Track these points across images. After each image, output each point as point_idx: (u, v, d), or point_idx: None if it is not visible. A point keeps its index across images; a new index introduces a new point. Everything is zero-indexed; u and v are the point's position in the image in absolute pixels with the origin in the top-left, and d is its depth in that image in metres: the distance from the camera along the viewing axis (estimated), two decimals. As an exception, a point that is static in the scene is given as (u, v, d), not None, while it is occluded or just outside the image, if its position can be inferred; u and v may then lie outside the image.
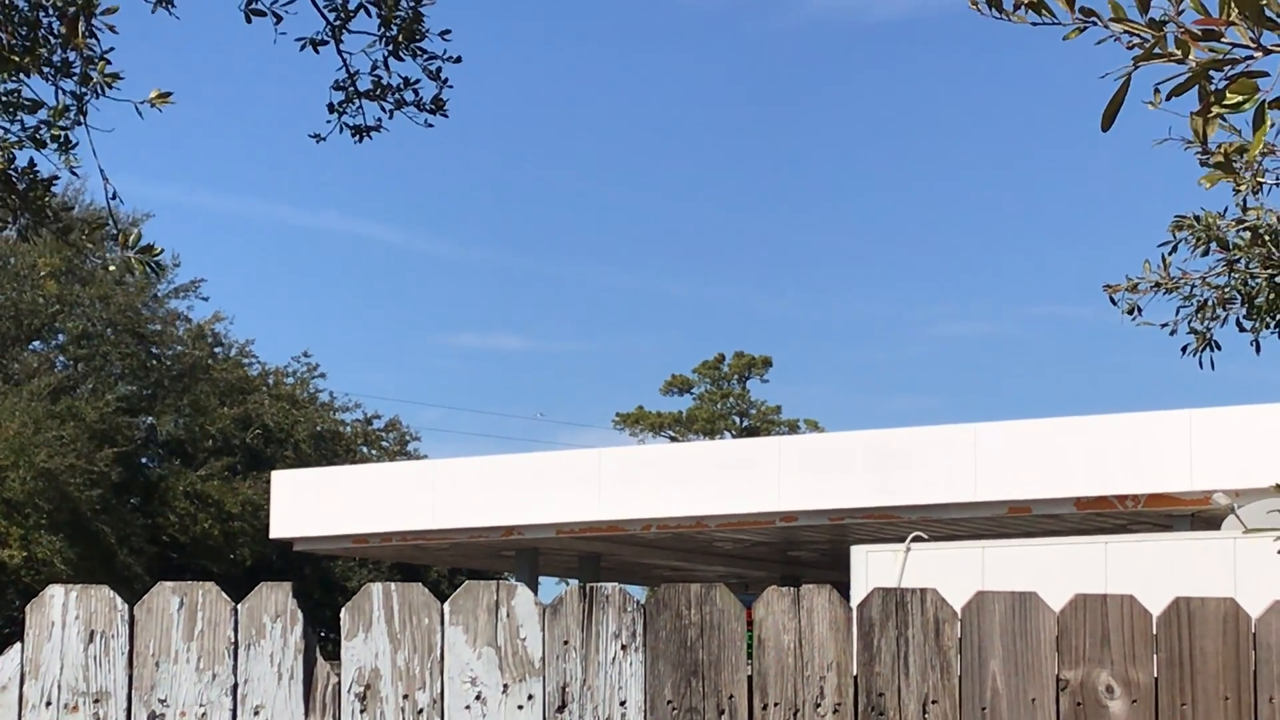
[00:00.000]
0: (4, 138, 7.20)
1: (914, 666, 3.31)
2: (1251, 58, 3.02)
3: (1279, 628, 3.49)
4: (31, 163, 7.21)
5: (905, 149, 78.99)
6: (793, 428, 57.44)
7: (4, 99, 7.22)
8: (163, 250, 7.19)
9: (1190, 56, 3.02)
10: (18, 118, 7.25)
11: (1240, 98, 2.96)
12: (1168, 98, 3.06)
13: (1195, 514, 21.31)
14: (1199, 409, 21.29)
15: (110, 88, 7.28)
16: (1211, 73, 3.00)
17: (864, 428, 24.64)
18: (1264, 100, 2.97)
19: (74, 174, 7.35)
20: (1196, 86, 3.01)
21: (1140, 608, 3.42)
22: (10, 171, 7.04)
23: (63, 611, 3.15)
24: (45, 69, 7.32)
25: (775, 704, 3.26)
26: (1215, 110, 3.00)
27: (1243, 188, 6.94)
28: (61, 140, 7.22)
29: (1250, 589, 14.21)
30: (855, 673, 3.30)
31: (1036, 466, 21.77)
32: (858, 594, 15.90)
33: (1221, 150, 6.03)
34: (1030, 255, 79.68)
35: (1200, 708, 3.41)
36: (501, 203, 79.61)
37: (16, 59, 6.96)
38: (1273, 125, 3.00)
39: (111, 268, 7.29)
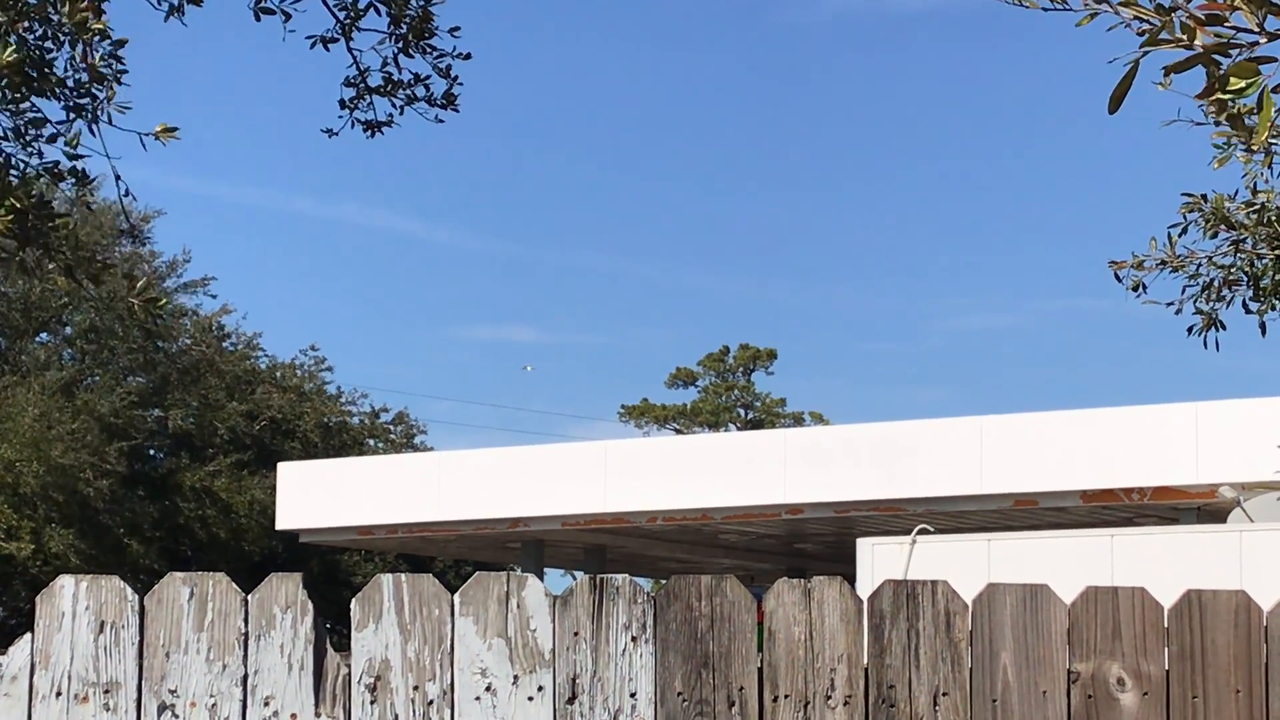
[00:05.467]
0: (24, 170, 7.21)
1: (925, 659, 3.30)
2: (1256, 42, 3.02)
3: (1290, 620, 3.48)
4: (42, 196, 7.19)
5: (919, 141, 79.01)
6: (797, 420, 57.40)
7: (22, 117, 7.23)
8: (167, 302, 7.19)
9: (1196, 40, 3.01)
10: (37, 138, 7.26)
11: (1243, 83, 2.96)
12: (1165, 74, 3.05)
13: (1201, 507, 21.28)
14: (1205, 402, 21.26)
15: (120, 113, 7.28)
16: (1218, 57, 3.00)
17: (875, 421, 24.59)
18: (1266, 86, 2.96)
19: (89, 209, 7.38)
20: (1202, 67, 3.00)
21: (1152, 600, 3.41)
22: (28, 204, 7.02)
23: (73, 602, 3.14)
24: (60, 90, 7.33)
25: (786, 696, 3.26)
26: (1218, 94, 2.99)
27: (1256, 147, 6.89)
28: (79, 174, 7.22)
29: (1257, 582, 14.19)
30: (866, 665, 3.29)
31: (1042, 459, 21.75)
32: (864, 586, 15.88)
33: (1237, 109, 6.00)
34: (1046, 248, 79.72)
35: (1212, 701, 3.41)
36: (516, 193, 79.68)
37: (33, 79, 6.98)
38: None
39: (105, 313, 7.28)
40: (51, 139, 7.31)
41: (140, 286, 7.08)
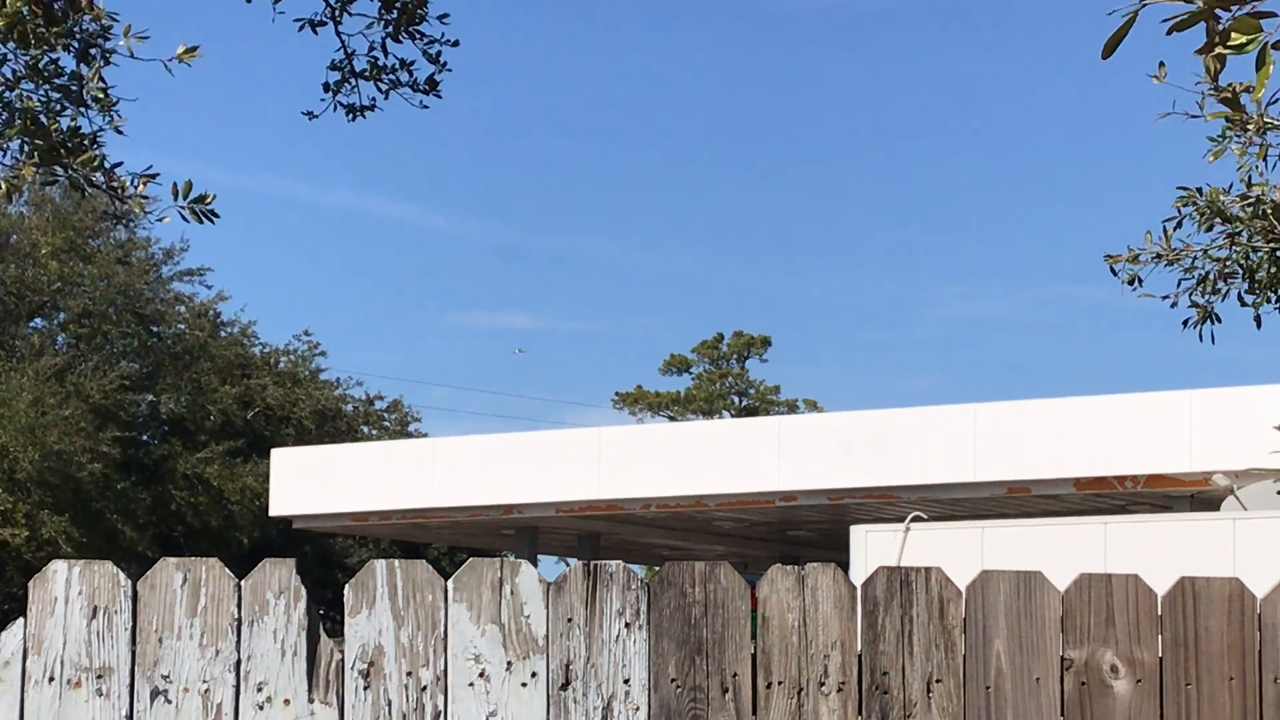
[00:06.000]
0: (49, 106, 7.19)
1: (918, 645, 3.30)
2: (1259, -2, 3.00)
3: (1284, 608, 3.48)
4: (71, 123, 7.18)
5: (914, 129, 78.95)
6: (791, 408, 57.44)
7: (42, 70, 7.21)
8: (214, 197, 7.18)
9: (1198, -6, 2.99)
10: (52, 85, 7.25)
11: (1244, 38, 2.94)
12: (1168, 33, 3.03)
13: (1194, 495, 21.31)
14: (1199, 390, 21.28)
15: (140, 43, 7.25)
16: (1219, 12, 2.98)
17: (869, 408, 24.63)
18: (1267, 41, 2.94)
19: (120, 132, 7.33)
20: (1203, 24, 2.98)
21: (1145, 587, 3.41)
22: (62, 135, 7.00)
23: (66, 587, 3.14)
24: (69, 41, 7.32)
25: (779, 682, 3.26)
26: (1219, 49, 2.97)
27: (1250, 126, 6.88)
28: (103, 99, 7.20)
29: (1250, 570, 14.20)
30: (859, 651, 3.29)
31: (1036, 447, 21.76)
32: (857, 573, 15.89)
33: (1230, 88, 5.99)
34: (1040, 237, 79.74)
35: (1205, 688, 3.41)
36: (512, 180, 79.68)
37: (43, 33, 6.96)
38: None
39: (165, 219, 7.13)
40: (75, 75, 7.29)
41: (184, 189, 7.08)
